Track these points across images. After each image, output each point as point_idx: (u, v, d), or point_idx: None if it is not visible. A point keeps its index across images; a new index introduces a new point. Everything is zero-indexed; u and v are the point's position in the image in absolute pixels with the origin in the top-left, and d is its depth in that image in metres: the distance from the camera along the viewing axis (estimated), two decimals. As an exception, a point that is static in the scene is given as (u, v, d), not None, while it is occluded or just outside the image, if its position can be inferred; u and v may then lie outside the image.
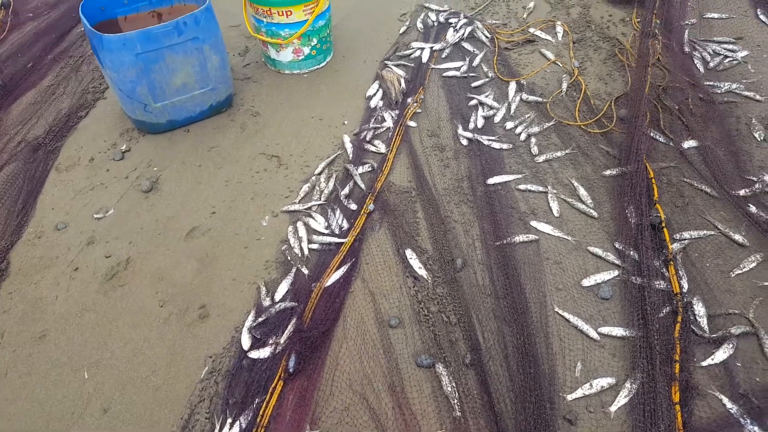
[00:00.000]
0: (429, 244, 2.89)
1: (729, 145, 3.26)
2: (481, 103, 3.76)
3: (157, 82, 3.36)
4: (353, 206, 3.10)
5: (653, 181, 3.02)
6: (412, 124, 3.63)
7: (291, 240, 2.94)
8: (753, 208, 2.89)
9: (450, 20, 4.65)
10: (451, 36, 4.44)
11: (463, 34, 4.43)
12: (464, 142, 3.47)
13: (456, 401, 2.26)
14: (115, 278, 2.85)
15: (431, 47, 4.31)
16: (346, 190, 3.18)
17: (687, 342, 2.38)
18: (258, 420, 2.22)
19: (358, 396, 2.31)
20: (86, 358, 2.53)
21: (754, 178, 3.03)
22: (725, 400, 2.22)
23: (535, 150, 3.38)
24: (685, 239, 2.80)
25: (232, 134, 3.67)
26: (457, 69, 4.10)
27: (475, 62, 4.16)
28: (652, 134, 3.36)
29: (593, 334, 2.46)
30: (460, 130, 3.54)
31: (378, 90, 3.94)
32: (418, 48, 4.33)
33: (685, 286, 2.59)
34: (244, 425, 2.22)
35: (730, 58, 3.91)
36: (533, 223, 2.94)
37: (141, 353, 2.53)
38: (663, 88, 3.65)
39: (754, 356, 2.36)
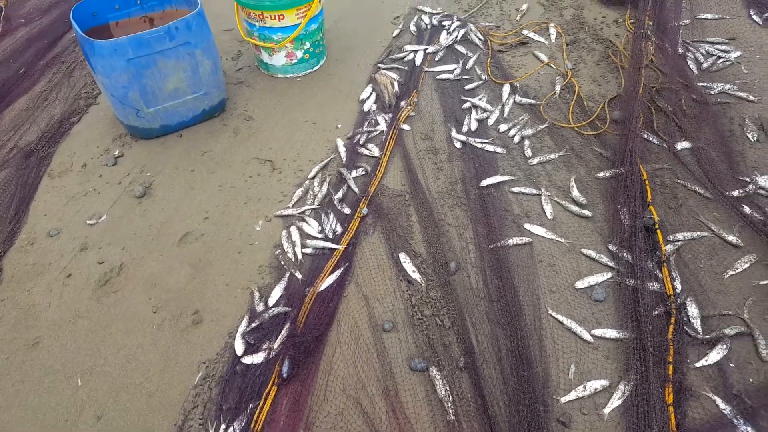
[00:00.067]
0: (423, 248, 2.89)
1: (722, 146, 3.27)
2: (475, 106, 3.76)
3: (149, 88, 3.35)
4: (347, 210, 3.10)
5: (647, 182, 3.02)
6: (405, 127, 3.63)
7: (284, 244, 2.94)
8: (747, 209, 2.89)
9: (443, 23, 4.65)
10: (444, 39, 4.45)
11: (456, 37, 4.43)
12: (458, 145, 3.47)
13: (450, 405, 2.25)
14: (108, 284, 2.84)
15: (424, 49, 4.31)
16: (340, 194, 3.18)
17: (680, 343, 2.38)
18: (252, 426, 2.21)
19: (352, 401, 2.31)
20: (79, 365, 2.52)
21: (747, 179, 3.03)
22: (719, 401, 2.21)
23: (528, 152, 3.38)
24: (678, 240, 2.81)
25: (225, 139, 3.67)
26: (451, 72, 4.10)
27: (469, 65, 4.16)
28: (645, 136, 3.36)
29: (587, 336, 2.46)
30: (453, 133, 3.54)
31: (371, 93, 3.94)
32: (412, 51, 4.33)
33: (679, 287, 2.59)
34: (238, 431, 2.21)
35: (723, 59, 3.92)
36: (527, 226, 2.94)
37: (134, 359, 2.53)
38: (656, 89, 3.66)
39: (748, 357, 2.36)
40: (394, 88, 3.92)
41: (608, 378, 2.32)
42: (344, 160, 3.43)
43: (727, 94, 3.64)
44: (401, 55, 4.32)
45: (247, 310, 2.65)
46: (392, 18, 4.86)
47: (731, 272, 2.66)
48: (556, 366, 2.38)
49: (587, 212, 2.98)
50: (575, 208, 3.01)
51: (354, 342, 2.51)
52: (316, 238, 2.96)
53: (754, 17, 4.32)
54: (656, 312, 2.49)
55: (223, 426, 2.23)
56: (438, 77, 4.07)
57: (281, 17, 3.77)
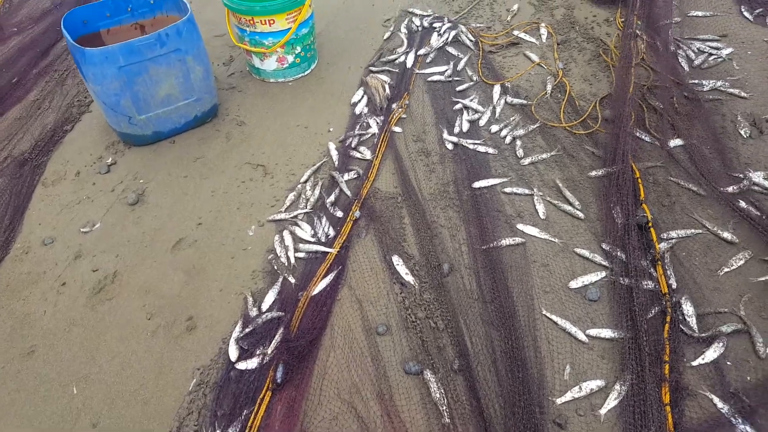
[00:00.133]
0: (416, 250, 2.89)
1: (715, 142, 3.27)
2: (466, 107, 3.77)
3: (141, 95, 3.35)
4: (339, 214, 3.09)
5: (639, 180, 3.03)
6: (397, 129, 3.63)
7: (277, 249, 2.93)
8: (742, 204, 2.90)
9: (434, 25, 4.65)
10: (435, 40, 4.45)
11: (447, 39, 4.43)
12: (449, 146, 3.46)
13: (445, 408, 2.25)
14: (102, 292, 2.83)
15: (415, 51, 4.31)
16: (332, 198, 3.18)
17: (676, 342, 2.38)
18: (246, 431, 2.21)
19: (347, 405, 2.30)
20: (75, 373, 2.51)
21: (741, 175, 3.04)
22: (716, 399, 2.21)
23: (520, 153, 3.38)
24: (672, 238, 2.81)
25: (217, 144, 3.66)
26: (442, 73, 4.10)
27: (460, 66, 4.16)
28: (637, 134, 3.36)
29: (581, 336, 2.45)
30: (445, 135, 3.54)
31: (363, 96, 3.94)
32: (403, 53, 4.33)
33: (674, 285, 2.59)
34: (232, 437, 2.21)
35: (715, 56, 3.93)
36: (519, 226, 2.94)
37: (129, 367, 2.52)
38: (648, 87, 3.66)
39: (745, 354, 2.36)
40: (385, 90, 3.91)
41: (604, 378, 2.31)
42: (336, 163, 3.43)
43: (719, 91, 3.65)
44: (392, 57, 4.32)
45: (241, 316, 2.65)
46: (383, 21, 4.86)
47: (726, 269, 2.67)
48: (551, 367, 2.37)
49: (579, 212, 2.98)
50: (568, 208, 3.01)
51: (348, 346, 2.51)
52: (309, 242, 2.96)
53: (745, 14, 4.33)
54: (651, 311, 2.48)
55: (217, 432, 2.23)
56: (429, 79, 4.07)
57: (272, 22, 3.77)
